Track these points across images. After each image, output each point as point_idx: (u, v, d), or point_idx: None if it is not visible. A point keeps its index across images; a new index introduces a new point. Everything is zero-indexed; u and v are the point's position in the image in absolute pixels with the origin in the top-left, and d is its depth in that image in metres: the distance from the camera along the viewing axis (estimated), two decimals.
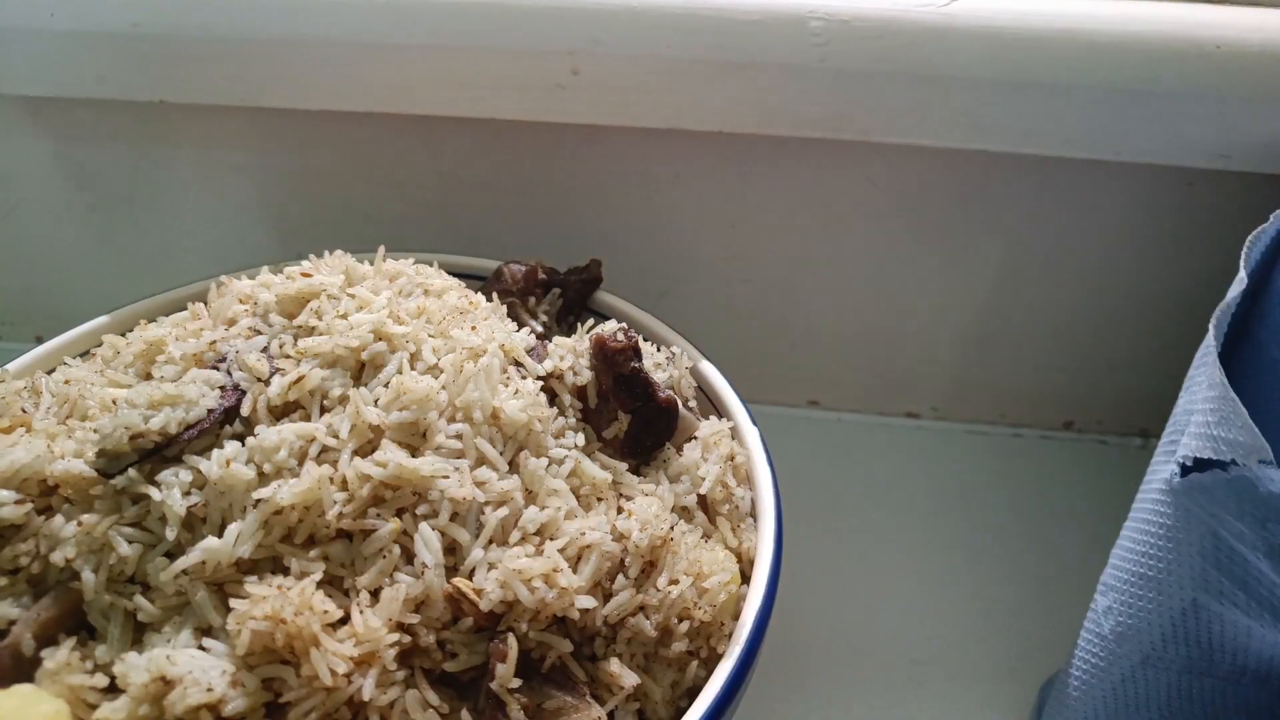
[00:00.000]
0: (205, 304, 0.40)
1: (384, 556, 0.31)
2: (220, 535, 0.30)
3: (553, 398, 0.37)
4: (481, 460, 0.33)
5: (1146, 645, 0.35)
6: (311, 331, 0.36)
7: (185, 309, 0.40)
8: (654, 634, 0.33)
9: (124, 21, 0.47)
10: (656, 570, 0.34)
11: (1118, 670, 0.37)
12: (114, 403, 0.34)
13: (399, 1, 0.46)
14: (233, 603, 0.29)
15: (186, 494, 0.31)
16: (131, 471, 0.31)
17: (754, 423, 0.40)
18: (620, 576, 0.33)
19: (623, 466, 0.37)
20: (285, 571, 0.31)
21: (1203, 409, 0.31)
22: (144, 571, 0.31)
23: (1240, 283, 0.33)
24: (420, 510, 0.32)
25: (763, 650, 0.33)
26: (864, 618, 0.50)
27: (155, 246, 0.60)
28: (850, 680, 0.47)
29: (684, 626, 0.33)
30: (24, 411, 0.35)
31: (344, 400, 0.33)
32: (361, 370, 0.35)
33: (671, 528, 0.35)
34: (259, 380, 0.34)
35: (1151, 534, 0.34)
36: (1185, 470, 0.31)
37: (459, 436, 0.33)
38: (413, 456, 0.32)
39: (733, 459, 0.38)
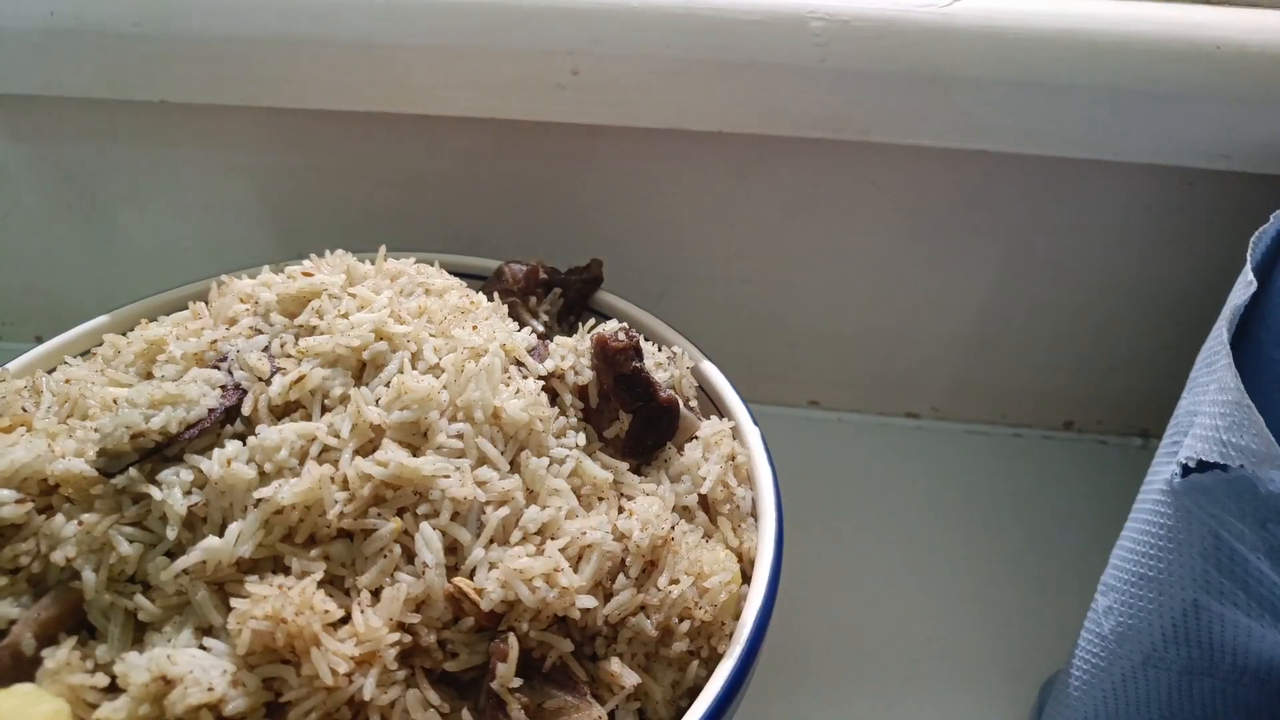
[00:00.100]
0: (206, 303, 0.40)
1: (385, 556, 0.31)
2: (221, 535, 0.30)
3: (554, 397, 0.37)
4: (482, 460, 0.33)
5: (1147, 645, 0.35)
6: (313, 331, 0.36)
7: (186, 308, 0.40)
8: (655, 634, 0.33)
9: (124, 21, 0.47)
10: (657, 570, 0.34)
11: (1118, 670, 0.37)
12: (115, 402, 0.34)
13: (399, 1, 0.46)
14: (233, 602, 0.29)
15: (187, 493, 0.31)
16: (132, 471, 0.31)
17: (755, 422, 0.40)
18: (621, 576, 0.33)
19: (624, 466, 0.37)
20: (286, 571, 0.31)
21: (1210, 412, 0.31)
22: (144, 571, 0.31)
23: (1250, 285, 0.33)
24: (421, 510, 0.32)
25: (763, 650, 0.33)
26: (864, 618, 0.50)
27: (155, 246, 0.60)
28: (850, 680, 0.47)
29: (685, 626, 0.33)
30: (24, 411, 0.35)
31: (345, 400, 0.33)
32: (362, 370, 0.35)
33: (672, 527, 0.35)
34: (260, 379, 0.34)
35: (1152, 534, 0.34)
36: (1186, 471, 0.31)
37: (460, 436, 0.33)
38: (414, 456, 0.32)
39: (734, 459, 0.38)
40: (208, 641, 0.29)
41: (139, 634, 0.30)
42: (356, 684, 0.29)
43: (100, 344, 0.39)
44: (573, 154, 0.53)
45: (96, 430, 0.32)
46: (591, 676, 0.32)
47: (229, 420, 0.33)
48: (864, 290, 0.57)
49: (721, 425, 0.39)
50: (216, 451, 0.31)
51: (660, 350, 0.42)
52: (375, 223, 0.57)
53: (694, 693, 0.32)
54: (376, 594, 0.30)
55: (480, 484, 0.32)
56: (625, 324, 0.40)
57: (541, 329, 0.43)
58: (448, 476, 0.32)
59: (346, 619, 0.30)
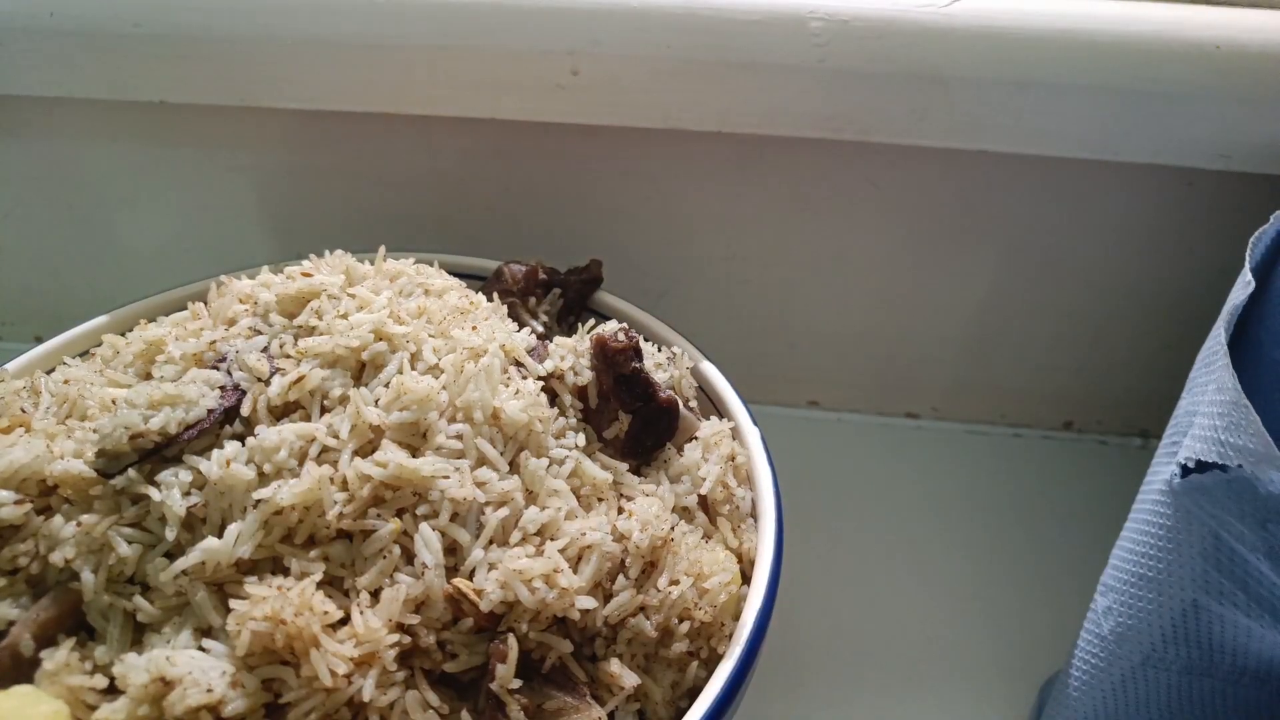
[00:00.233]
0: (205, 304, 0.40)
1: (384, 557, 0.31)
2: (220, 535, 0.30)
3: (553, 398, 0.37)
4: (482, 460, 0.33)
5: (1146, 646, 0.35)
6: (312, 331, 0.36)
7: (185, 309, 0.40)
8: (654, 634, 0.33)
9: (124, 21, 0.47)
10: (657, 571, 0.33)
11: (1118, 671, 0.37)
12: (114, 402, 0.34)
13: (399, 1, 0.46)
14: (233, 603, 0.29)
15: (186, 494, 0.31)
16: (131, 471, 0.31)
17: (755, 423, 0.40)
18: (621, 577, 0.33)
19: (623, 467, 0.37)
20: (285, 572, 0.31)
21: (1209, 412, 0.31)
22: (144, 572, 0.31)
23: (1249, 286, 0.33)
24: (420, 510, 0.32)
25: (763, 650, 0.33)
26: (864, 618, 0.50)
27: (155, 247, 0.60)
28: (850, 680, 0.47)
29: (684, 627, 0.33)
30: (23, 411, 0.35)
31: (344, 400, 0.33)
32: (362, 370, 0.35)
33: (672, 528, 0.35)
34: (259, 380, 0.34)
35: (1152, 535, 0.34)
36: (1186, 471, 0.31)
37: (459, 437, 0.33)
38: (413, 457, 0.32)
39: (733, 459, 0.38)
40: (207, 642, 0.29)
41: (138, 635, 0.30)
42: (356, 685, 0.29)
43: (99, 344, 0.39)
44: (572, 154, 0.53)
45: (95, 431, 0.32)
46: (591, 677, 0.32)
47: (228, 421, 0.33)
48: (864, 290, 0.57)
49: (721, 426, 0.39)
50: (215, 452, 0.31)
51: (660, 351, 0.42)
52: (375, 223, 0.57)
53: (694, 693, 0.32)
54: (376, 595, 0.30)
55: (479, 485, 0.32)
56: (625, 324, 0.40)
57: (541, 329, 0.43)
58: (447, 477, 0.32)
59: (346, 620, 0.30)
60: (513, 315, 0.43)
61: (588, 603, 0.31)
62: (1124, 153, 0.46)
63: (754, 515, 0.38)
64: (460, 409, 0.34)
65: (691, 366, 0.42)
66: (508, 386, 0.35)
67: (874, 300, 0.58)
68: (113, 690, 0.29)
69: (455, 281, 0.42)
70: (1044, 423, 0.61)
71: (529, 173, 0.54)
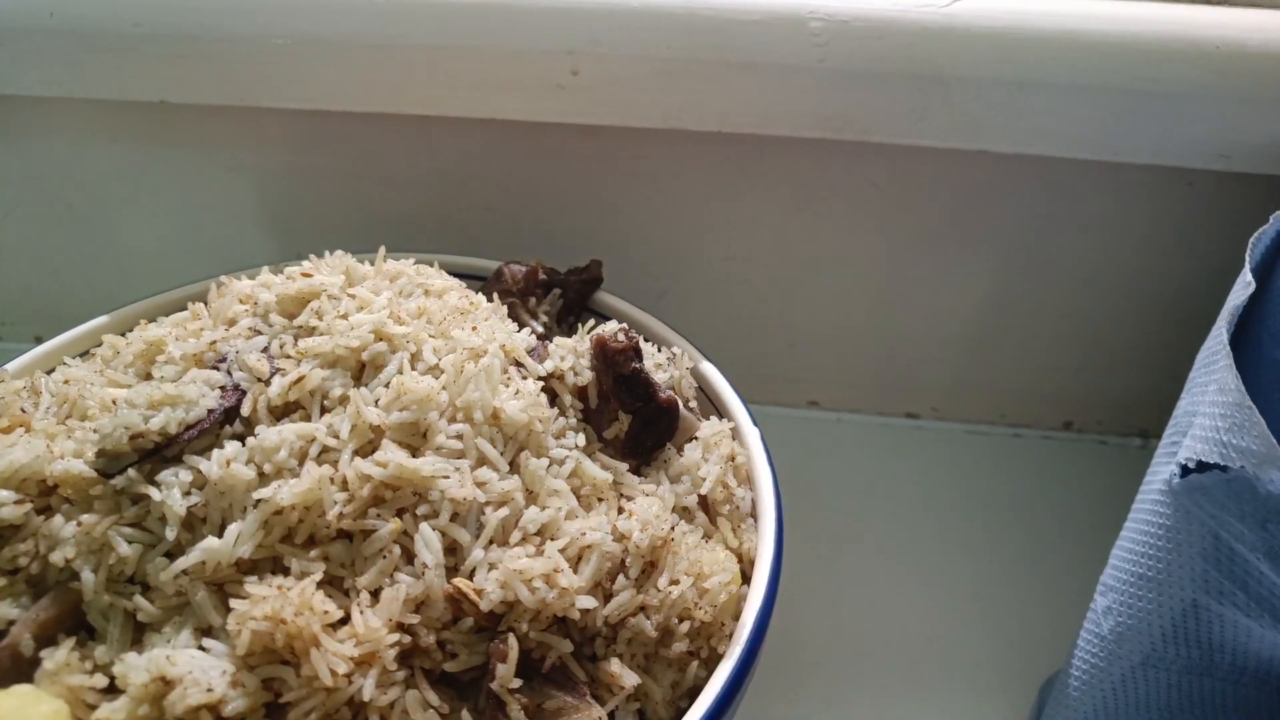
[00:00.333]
0: (205, 304, 0.40)
1: (384, 557, 0.31)
2: (220, 535, 0.30)
3: (553, 398, 0.37)
4: (482, 460, 0.33)
5: (1146, 646, 0.35)
6: (312, 332, 0.36)
7: (185, 309, 0.40)
8: (654, 634, 0.33)
9: (124, 21, 0.47)
10: (657, 570, 0.33)
11: (1117, 670, 0.37)
12: (114, 403, 0.34)
13: (399, 1, 0.46)
14: (233, 603, 0.29)
15: (186, 494, 0.31)
16: (131, 471, 0.31)
17: (755, 423, 0.40)
18: (621, 577, 0.33)
19: (623, 467, 0.37)
20: (285, 572, 0.31)
21: (1210, 413, 0.31)
22: (144, 571, 0.31)
23: (1248, 286, 0.33)
24: (420, 510, 0.32)
25: (763, 650, 0.33)
26: (864, 618, 0.50)
27: (155, 247, 0.60)
28: (850, 680, 0.47)
29: (684, 627, 0.33)
30: (23, 411, 0.35)
31: (344, 400, 0.33)
32: (362, 370, 0.35)
33: (672, 528, 0.35)
34: (259, 380, 0.34)
35: (1151, 535, 0.34)
36: (1186, 471, 0.31)
37: (459, 437, 0.33)
38: (413, 457, 0.32)
39: (733, 459, 0.38)
40: (207, 642, 0.29)
41: (138, 635, 0.30)
42: (356, 684, 0.29)
43: (99, 344, 0.39)
44: (572, 154, 0.53)
45: (95, 431, 0.32)
46: (591, 677, 0.32)
47: (228, 421, 0.33)
48: (864, 290, 0.57)
49: (721, 426, 0.39)
50: (216, 452, 0.31)
51: (660, 351, 0.42)
52: (375, 223, 0.57)
53: (694, 693, 0.32)
54: (376, 594, 0.30)
55: (480, 485, 0.32)
56: (624, 324, 0.40)
57: (541, 330, 0.43)
58: (447, 477, 0.32)
59: (346, 619, 0.30)
60: (513, 315, 0.43)
61: (588, 602, 0.31)
62: (1124, 153, 0.46)
63: (754, 515, 0.38)
64: (460, 409, 0.34)
65: (691, 366, 0.42)
66: (508, 387, 0.35)
67: (874, 300, 0.58)
68: (113, 690, 0.29)
69: (455, 282, 0.42)
70: (1044, 423, 0.61)
71: (529, 173, 0.54)
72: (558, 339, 0.39)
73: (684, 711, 0.30)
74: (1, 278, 0.62)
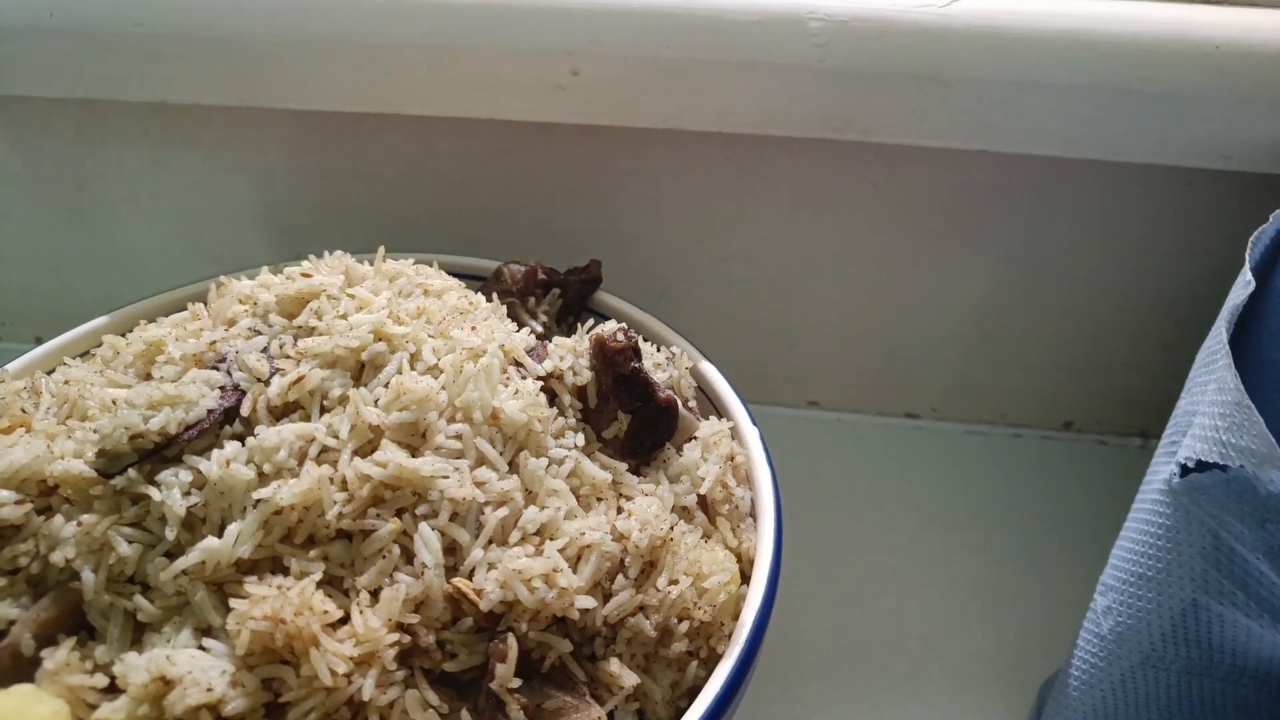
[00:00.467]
0: (205, 304, 0.40)
1: (384, 556, 0.31)
2: (220, 535, 0.30)
3: (552, 398, 0.37)
4: (481, 460, 0.33)
5: (1146, 646, 0.35)
6: (311, 332, 0.36)
7: (185, 309, 0.40)
8: (654, 634, 0.33)
9: (124, 21, 0.47)
10: (656, 570, 0.34)
11: (1117, 671, 0.37)
12: (114, 403, 0.34)
13: (399, 1, 0.46)
14: (232, 603, 0.29)
15: (186, 494, 0.31)
16: (131, 472, 0.31)
17: (754, 423, 0.40)
18: (620, 576, 0.33)
19: (622, 466, 0.37)
20: (285, 571, 0.31)
21: (1209, 412, 0.31)
22: (144, 571, 0.31)
23: (1248, 285, 0.33)
24: (420, 510, 0.32)
25: (762, 650, 0.33)
26: (864, 618, 0.50)
27: (155, 247, 0.60)
28: (850, 680, 0.47)
29: (684, 626, 0.33)
30: (24, 412, 0.35)
31: (344, 400, 0.33)
32: (361, 370, 0.35)
33: (671, 528, 0.35)
34: (259, 380, 0.34)
35: (1151, 534, 0.34)
36: (1185, 471, 0.31)
37: (459, 437, 0.33)
38: (412, 457, 0.32)
39: (733, 459, 0.38)
40: (207, 642, 0.29)
41: (138, 634, 0.30)
42: (355, 684, 0.29)
43: (99, 345, 0.39)
44: (572, 154, 0.53)
45: (95, 431, 0.32)
46: (590, 677, 0.32)
47: (228, 421, 0.33)
48: (864, 290, 0.57)
49: (720, 425, 0.39)
50: (215, 452, 0.32)
51: (659, 351, 0.42)
52: (374, 223, 0.57)
53: (693, 693, 0.32)
54: (375, 594, 0.30)
55: (479, 484, 0.32)
56: (624, 324, 0.40)
57: (540, 329, 0.43)
58: (446, 477, 0.32)
59: (345, 619, 0.30)
60: (512, 315, 0.43)
61: (587, 602, 0.31)
62: (1124, 153, 0.46)
63: (753, 515, 0.38)
64: (460, 409, 0.34)
65: (691, 366, 0.42)
66: (507, 386, 0.35)
67: (874, 300, 0.58)
68: (113, 689, 0.29)
69: (454, 282, 0.42)
70: (1044, 423, 0.61)
71: (529, 173, 0.54)
72: (557, 339, 0.39)
73: (683, 711, 0.30)
74: (1, 278, 0.62)
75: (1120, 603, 0.36)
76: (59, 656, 0.29)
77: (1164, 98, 0.44)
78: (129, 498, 0.31)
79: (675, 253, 0.57)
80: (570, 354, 0.38)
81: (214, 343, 0.36)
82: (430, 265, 0.43)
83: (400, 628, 0.30)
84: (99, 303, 0.43)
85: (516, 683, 0.30)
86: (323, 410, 0.34)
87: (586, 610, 0.32)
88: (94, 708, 0.28)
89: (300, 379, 0.33)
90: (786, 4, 0.44)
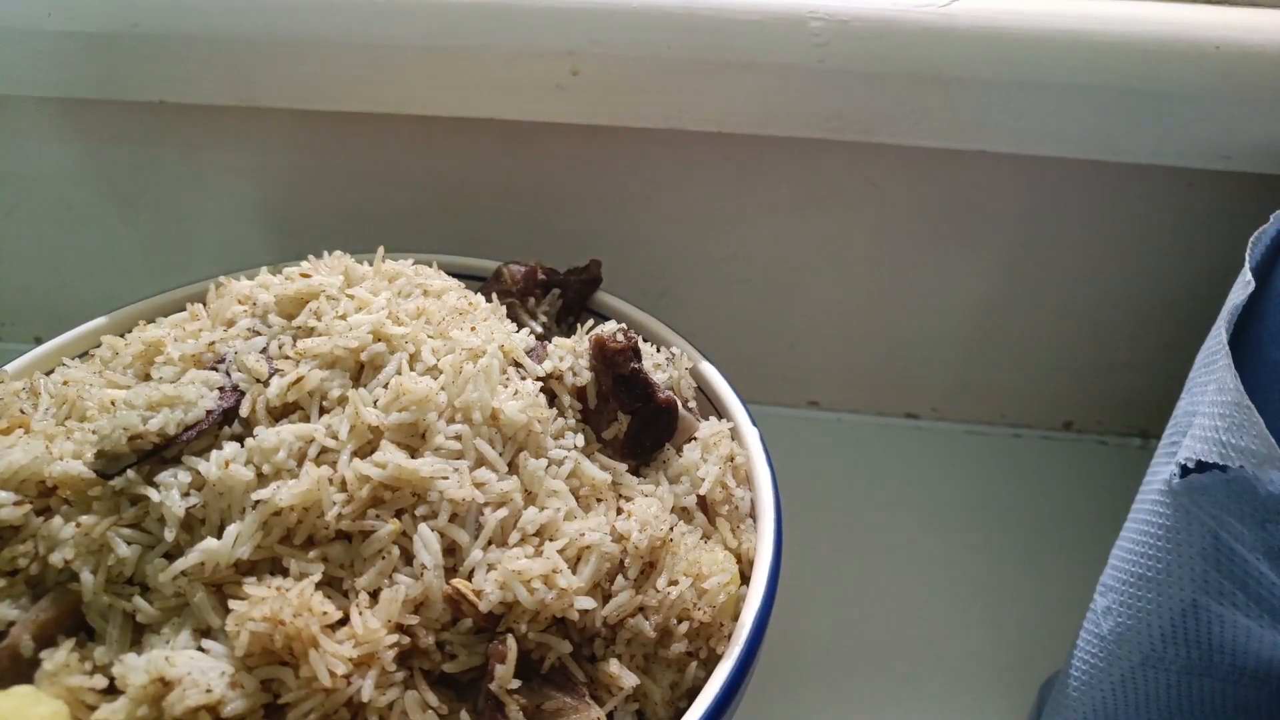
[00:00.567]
0: (204, 305, 0.40)
1: (383, 557, 0.31)
2: (219, 536, 0.30)
3: (552, 398, 0.37)
4: (481, 461, 0.33)
5: (1146, 646, 0.35)
6: (310, 332, 0.36)
7: (184, 309, 0.40)
8: (653, 635, 0.33)
9: (124, 21, 0.47)
10: (656, 571, 0.33)
11: (1117, 671, 0.37)
12: (112, 404, 0.34)
13: (399, 1, 0.46)
14: (232, 604, 0.29)
15: (185, 495, 0.31)
16: (130, 473, 0.31)
17: (754, 423, 0.40)
18: (620, 577, 0.33)
19: (622, 467, 0.37)
20: (284, 573, 0.31)
21: (1209, 413, 0.31)
22: (143, 573, 0.31)
23: (1248, 285, 0.33)
24: (419, 511, 0.32)
25: (762, 650, 0.33)
26: (864, 618, 0.50)
27: (155, 246, 0.60)
28: (849, 681, 0.47)
29: (683, 627, 0.33)
30: (22, 412, 0.35)
31: (343, 401, 0.33)
32: (360, 371, 0.35)
33: (671, 528, 0.35)
34: (258, 381, 0.34)
35: (1151, 535, 0.34)
36: (1185, 471, 0.31)
37: (458, 437, 0.33)
38: (412, 457, 0.32)
39: (732, 459, 0.38)
40: (206, 643, 0.29)
41: (137, 635, 0.30)
42: (355, 685, 0.29)
43: (98, 345, 0.39)
44: (572, 154, 0.53)
45: (94, 432, 0.32)
46: (590, 678, 0.32)
47: (227, 422, 0.33)
48: (864, 290, 0.57)
49: (720, 426, 0.39)
50: (214, 453, 0.31)
51: (659, 351, 0.42)
52: (375, 223, 0.57)
53: (693, 694, 0.32)
54: (375, 595, 0.30)
55: (478, 485, 0.32)
56: (624, 325, 0.40)
57: (540, 330, 0.43)
58: (446, 478, 0.32)
59: (345, 620, 0.30)
60: (512, 316, 0.43)
61: (587, 603, 0.31)
62: (1124, 153, 0.46)
63: (753, 515, 0.38)
64: (459, 410, 0.34)
65: (690, 366, 0.42)
66: (506, 387, 0.35)
67: (874, 300, 0.58)
68: (112, 690, 0.29)
69: (454, 282, 0.42)
70: (1044, 423, 0.61)
71: (529, 173, 0.54)
72: (557, 339, 0.39)
73: (683, 712, 0.30)
74: (1, 278, 0.62)
75: (1120, 603, 0.36)
76: (58, 657, 0.29)
77: (1164, 98, 0.44)
78: (128, 499, 0.31)
79: (675, 253, 0.57)
80: (570, 354, 0.38)
81: (213, 343, 0.36)
82: (430, 265, 0.43)
83: (400, 629, 0.30)
84: (98, 303, 0.43)
85: (516, 684, 0.30)
86: (322, 411, 0.34)
87: (586, 611, 0.32)
88: (93, 709, 0.28)
89: (299, 380, 0.33)
90: (786, 4, 0.44)
